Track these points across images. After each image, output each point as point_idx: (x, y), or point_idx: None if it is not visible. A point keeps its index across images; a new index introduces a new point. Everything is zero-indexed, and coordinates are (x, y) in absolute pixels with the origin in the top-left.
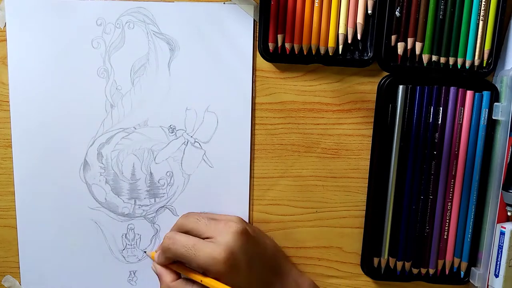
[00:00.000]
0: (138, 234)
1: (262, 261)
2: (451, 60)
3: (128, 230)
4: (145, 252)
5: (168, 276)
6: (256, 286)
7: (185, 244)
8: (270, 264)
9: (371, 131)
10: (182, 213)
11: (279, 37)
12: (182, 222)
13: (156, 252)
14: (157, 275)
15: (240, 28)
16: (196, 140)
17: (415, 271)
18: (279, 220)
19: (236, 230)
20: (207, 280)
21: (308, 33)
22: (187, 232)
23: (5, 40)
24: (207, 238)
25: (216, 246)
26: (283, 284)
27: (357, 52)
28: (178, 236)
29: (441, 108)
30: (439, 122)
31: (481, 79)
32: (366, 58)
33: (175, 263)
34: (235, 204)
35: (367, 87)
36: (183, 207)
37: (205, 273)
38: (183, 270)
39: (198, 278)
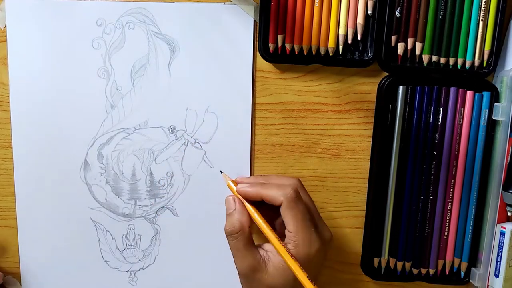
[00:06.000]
0: (139, 235)
1: None
2: (451, 61)
3: (129, 230)
4: (221, 172)
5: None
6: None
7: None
8: None
9: (371, 131)
10: (183, 213)
11: (279, 37)
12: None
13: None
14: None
15: (240, 28)
16: (196, 141)
17: (415, 271)
18: None
19: None
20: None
21: (308, 34)
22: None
23: (5, 40)
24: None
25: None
26: None
27: (357, 53)
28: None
29: (441, 109)
30: (439, 122)
31: (481, 79)
32: (366, 58)
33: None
34: None
35: (367, 87)
36: (183, 207)
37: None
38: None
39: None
